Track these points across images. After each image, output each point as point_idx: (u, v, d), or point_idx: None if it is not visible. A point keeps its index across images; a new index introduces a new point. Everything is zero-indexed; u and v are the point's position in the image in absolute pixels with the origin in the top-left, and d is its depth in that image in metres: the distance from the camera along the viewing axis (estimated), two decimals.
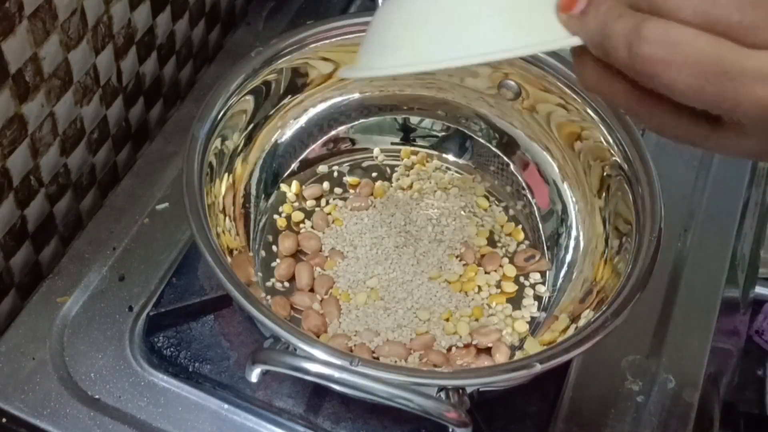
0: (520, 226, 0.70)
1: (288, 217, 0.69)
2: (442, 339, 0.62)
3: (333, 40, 0.68)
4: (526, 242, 0.69)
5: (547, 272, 0.67)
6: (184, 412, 0.59)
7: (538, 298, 0.66)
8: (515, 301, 0.65)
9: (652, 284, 0.55)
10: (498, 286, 0.66)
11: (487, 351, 0.62)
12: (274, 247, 0.67)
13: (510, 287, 0.66)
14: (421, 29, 0.43)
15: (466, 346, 0.62)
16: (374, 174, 0.73)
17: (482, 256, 0.67)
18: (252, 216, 0.67)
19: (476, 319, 0.64)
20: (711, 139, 0.37)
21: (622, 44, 0.35)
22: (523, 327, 0.63)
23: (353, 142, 0.74)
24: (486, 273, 0.66)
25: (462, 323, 0.63)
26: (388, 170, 0.73)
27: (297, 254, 0.67)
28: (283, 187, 0.70)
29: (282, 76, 0.67)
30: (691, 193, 0.73)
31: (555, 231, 0.68)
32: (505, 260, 0.67)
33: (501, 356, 0.61)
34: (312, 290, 0.65)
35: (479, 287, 0.65)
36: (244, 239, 0.65)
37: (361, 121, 0.74)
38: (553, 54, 0.67)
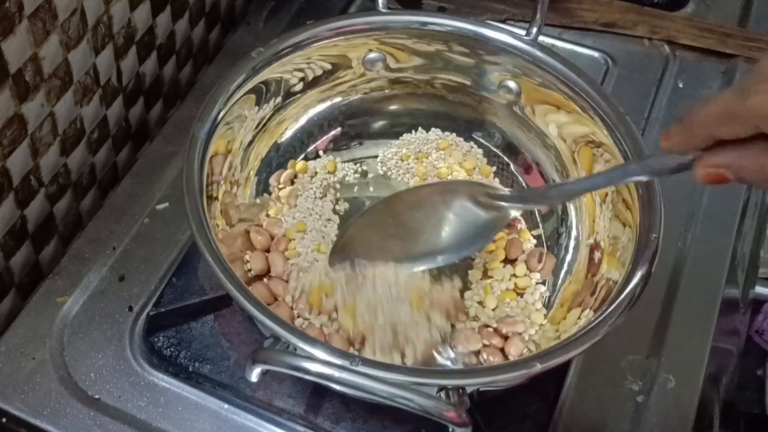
0: (524, 226, 0.69)
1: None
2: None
3: (333, 40, 0.68)
4: (533, 242, 0.69)
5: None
6: (184, 412, 0.59)
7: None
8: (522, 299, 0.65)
9: (652, 284, 0.55)
10: (509, 280, 0.66)
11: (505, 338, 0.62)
12: None
13: (524, 282, 0.66)
14: None
15: (485, 326, 0.62)
16: (372, 175, 0.73)
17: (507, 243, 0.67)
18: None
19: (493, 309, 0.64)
20: None
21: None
22: (539, 318, 0.63)
23: (353, 142, 0.74)
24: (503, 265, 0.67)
25: (490, 297, 0.64)
26: (388, 171, 0.73)
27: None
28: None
29: (282, 76, 0.67)
30: (691, 193, 0.73)
31: (555, 231, 0.68)
32: (523, 256, 0.67)
33: (515, 350, 0.61)
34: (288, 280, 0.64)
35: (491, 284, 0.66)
36: None
37: (362, 121, 0.74)
38: (553, 54, 0.67)
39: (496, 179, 0.72)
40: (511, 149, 0.72)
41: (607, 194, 0.64)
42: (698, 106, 0.43)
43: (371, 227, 0.64)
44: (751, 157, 0.41)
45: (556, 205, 0.68)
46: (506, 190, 0.68)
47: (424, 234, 0.62)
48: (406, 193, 0.67)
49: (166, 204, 0.70)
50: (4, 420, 0.58)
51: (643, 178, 0.55)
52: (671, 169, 0.48)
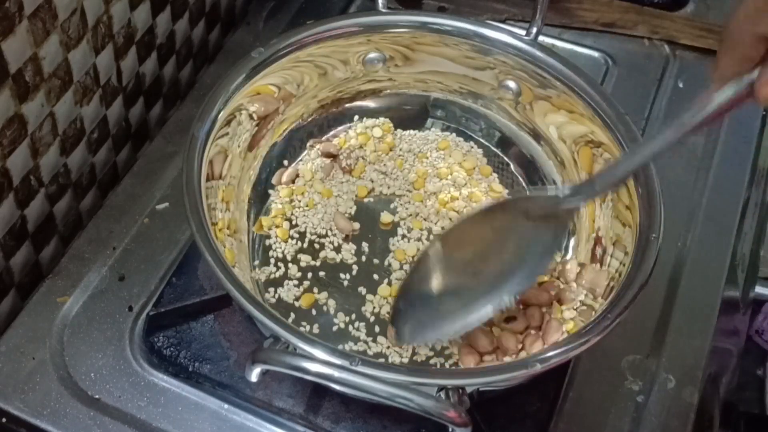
0: None
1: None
2: None
3: (333, 39, 0.68)
4: None
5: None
6: (184, 412, 0.59)
7: None
8: None
9: (652, 284, 0.55)
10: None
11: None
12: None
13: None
14: None
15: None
16: (373, 174, 0.73)
17: None
18: (251, 216, 0.67)
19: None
20: None
21: None
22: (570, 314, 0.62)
23: (354, 142, 0.74)
24: None
25: None
26: (389, 170, 0.73)
27: None
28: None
29: (282, 76, 0.67)
30: (691, 193, 0.73)
31: None
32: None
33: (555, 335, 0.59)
34: None
35: None
36: (245, 239, 0.65)
37: (363, 121, 0.74)
38: (553, 54, 0.67)
39: (496, 180, 0.72)
40: (511, 149, 0.72)
41: (607, 194, 0.64)
42: (733, 15, 0.37)
43: (426, 283, 0.58)
44: None
45: (616, 187, 0.60)
46: (554, 191, 0.61)
47: (485, 273, 0.56)
48: (453, 233, 0.60)
49: (166, 204, 0.70)
50: (4, 420, 0.58)
51: (701, 127, 0.47)
52: (728, 104, 0.41)
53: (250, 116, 0.66)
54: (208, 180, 0.60)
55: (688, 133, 0.47)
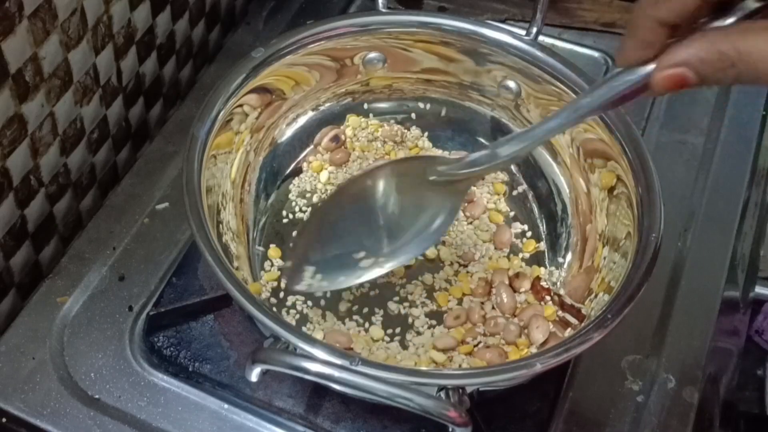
0: (529, 233, 0.69)
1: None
2: None
3: (333, 39, 0.68)
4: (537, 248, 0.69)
5: (547, 272, 0.67)
6: (184, 412, 0.59)
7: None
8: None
9: (652, 284, 0.55)
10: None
11: None
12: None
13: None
14: None
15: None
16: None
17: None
18: (252, 216, 0.67)
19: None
20: None
21: None
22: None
23: (353, 140, 0.74)
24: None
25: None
26: None
27: None
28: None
29: (282, 76, 0.67)
30: (691, 193, 0.73)
31: (555, 231, 0.68)
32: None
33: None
34: None
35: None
36: (244, 239, 0.65)
37: (362, 119, 0.74)
38: (553, 54, 0.67)
39: (497, 179, 0.72)
40: None
41: (608, 193, 0.64)
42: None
43: (322, 231, 0.59)
44: (707, 45, 0.36)
45: (513, 163, 0.65)
46: (454, 159, 0.61)
47: (379, 231, 0.58)
48: (350, 184, 0.62)
49: (166, 204, 0.70)
50: (4, 420, 0.58)
51: (598, 112, 0.52)
52: (625, 93, 0.42)
53: (251, 116, 0.66)
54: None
55: (584, 117, 0.48)
